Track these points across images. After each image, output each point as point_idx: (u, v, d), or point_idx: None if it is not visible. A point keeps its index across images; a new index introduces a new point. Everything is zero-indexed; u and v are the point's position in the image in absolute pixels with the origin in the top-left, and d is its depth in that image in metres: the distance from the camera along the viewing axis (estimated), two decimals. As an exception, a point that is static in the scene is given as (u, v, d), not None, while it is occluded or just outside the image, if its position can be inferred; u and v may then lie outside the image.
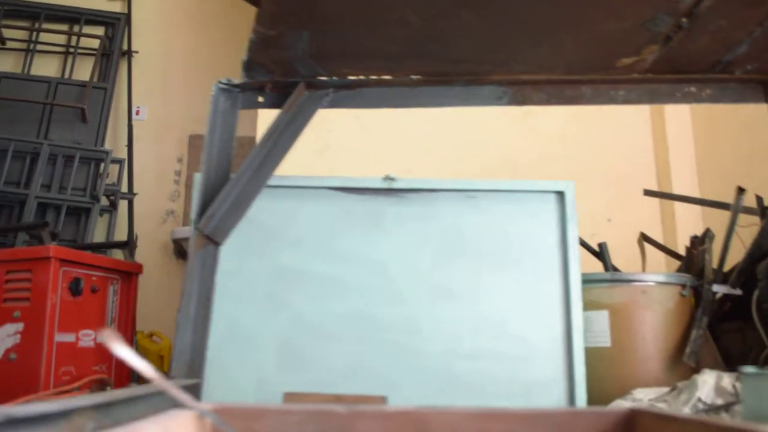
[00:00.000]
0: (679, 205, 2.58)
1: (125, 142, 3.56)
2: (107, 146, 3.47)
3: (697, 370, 1.58)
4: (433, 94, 1.31)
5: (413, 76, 1.28)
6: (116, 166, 3.42)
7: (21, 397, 1.37)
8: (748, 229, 1.73)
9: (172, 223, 3.64)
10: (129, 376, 1.84)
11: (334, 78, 1.29)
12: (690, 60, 1.21)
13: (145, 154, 3.63)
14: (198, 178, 1.54)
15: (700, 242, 1.70)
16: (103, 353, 1.65)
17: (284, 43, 1.13)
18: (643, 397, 1.39)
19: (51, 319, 1.47)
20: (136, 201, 3.50)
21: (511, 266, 1.55)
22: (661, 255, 2.33)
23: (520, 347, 1.52)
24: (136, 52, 3.74)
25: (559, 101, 1.32)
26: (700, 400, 1.30)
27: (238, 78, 1.30)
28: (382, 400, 0.92)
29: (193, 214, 1.30)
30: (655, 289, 1.57)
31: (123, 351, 0.54)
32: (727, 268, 1.77)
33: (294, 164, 2.56)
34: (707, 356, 1.65)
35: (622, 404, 1.39)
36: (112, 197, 3.23)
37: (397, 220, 1.56)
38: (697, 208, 2.60)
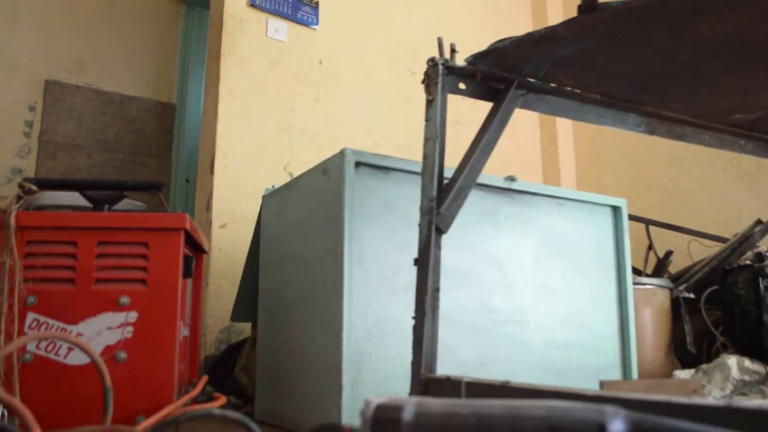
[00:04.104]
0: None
1: (-40, 74, 2.74)
2: (-62, 75, 2.62)
3: (685, 357, 2.02)
4: (596, 113, 1.46)
5: (596, 95, 1.41)
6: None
7: (146, 410, 1.00)
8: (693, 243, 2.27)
9: (20, 186, 2.91)
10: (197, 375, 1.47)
11: (534, 81, 1.35)
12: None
13: (-17, 93, 2.84)
14: (349, 153, 1.44)
15: (667, 256, 2.17)
16: (183, 349, 1.29)
17: (557, 46, 1.16)
18: (684, 377, 1.76)
19: (182, 310, 1.08)
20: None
21: (584, 267, 1.78)
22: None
23: (592, 338, 1.76)
24: (-19, -39, 2.90)
25: (671, 136, 1.59)
26: (733, 377, 1.71)
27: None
28: (698, 383, 1.05)
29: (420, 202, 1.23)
30: (659, 291, 1.97)
31: None
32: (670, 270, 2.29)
33: (260, 142, 2.39)
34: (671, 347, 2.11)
35: (674, 384, 1.73)
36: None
37: (509, 219, 1.66)
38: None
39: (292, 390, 1.55)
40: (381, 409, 0.54)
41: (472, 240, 1.59)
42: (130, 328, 1.10)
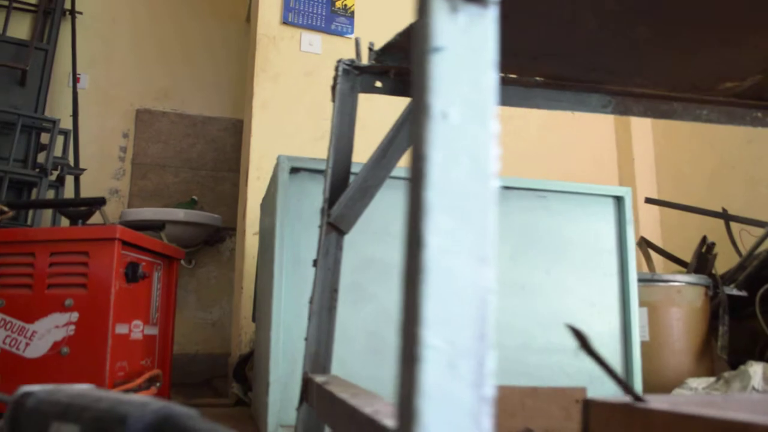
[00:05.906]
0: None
1: (65, 110, 3.21)
2: (46, 114, 3.10)
3: (717, 362, 1.77)
4: (547, 97, 1.35)
5: (537, 78, 1.31)
6: (57, 138, 3.07)
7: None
8: (743, 234, 1.98)
9: (117, 204, 3.34)
10: (170, 371, 1.66)
11: (461, 72, 1.28)
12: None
13: (85, 126, 3.29)
14: (283, 159, 1.47)
15: (710, 249, 1.91)
16: (147, 346, 1.47)
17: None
18: (697, 386, 1.54)
19: (115, 310, 1.27)
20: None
21: (576, 264, 1.64)
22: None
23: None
24: (80, 13, 3.37)
25: (654, 114, 1.42)
26: (754, 388, 1.47)
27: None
28: (583, 391, 0.95)
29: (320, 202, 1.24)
30: (687, 289, 1.74)
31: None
32: (722, 270, 2.01)
33: (294, 152, 2.48)
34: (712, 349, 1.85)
35: (682, 393, 1.54)
36: (58, 172, 2.89)
37: (476, 216, 1.58)
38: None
39: (259, 388, 1.62)
40: (23, 395, 0.60)
41: (431, 239, 1.55)
42: (73, 327, 1.26)
